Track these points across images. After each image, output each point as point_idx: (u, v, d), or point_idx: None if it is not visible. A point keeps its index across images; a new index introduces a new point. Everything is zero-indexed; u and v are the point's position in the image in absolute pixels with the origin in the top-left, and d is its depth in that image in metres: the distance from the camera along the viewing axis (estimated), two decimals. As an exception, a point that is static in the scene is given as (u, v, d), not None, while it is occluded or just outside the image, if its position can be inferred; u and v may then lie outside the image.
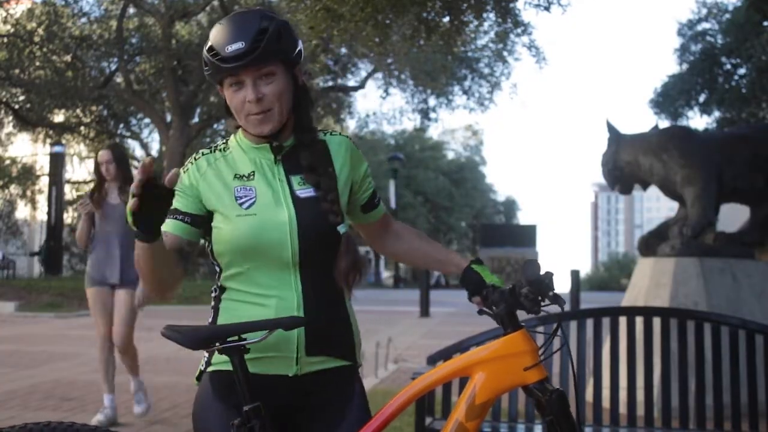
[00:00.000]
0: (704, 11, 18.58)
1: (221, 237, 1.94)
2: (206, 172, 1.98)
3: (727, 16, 17.67)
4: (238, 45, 1.88)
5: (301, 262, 1.93)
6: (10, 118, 24.71)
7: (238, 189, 1.96)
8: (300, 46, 1.98)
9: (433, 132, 55.20)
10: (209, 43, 1.93)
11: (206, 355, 1.98)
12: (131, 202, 1.73)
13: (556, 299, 1.90)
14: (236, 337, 1.87)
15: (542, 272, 1.89)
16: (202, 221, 1.96)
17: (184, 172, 1.98)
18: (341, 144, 2.07)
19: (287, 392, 1.95)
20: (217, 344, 1.87)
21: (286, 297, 1.93)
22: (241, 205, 1.93)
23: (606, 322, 4.29)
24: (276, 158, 2.00)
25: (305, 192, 1.97)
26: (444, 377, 1.98)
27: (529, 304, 1.89)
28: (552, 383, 1.91)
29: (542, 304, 1.91)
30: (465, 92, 24.46)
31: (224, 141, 2.08)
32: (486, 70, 23.75)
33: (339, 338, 2.01)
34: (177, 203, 1.93)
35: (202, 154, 2.02)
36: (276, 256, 1.92)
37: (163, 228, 1.91)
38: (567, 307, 1.94)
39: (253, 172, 1.99)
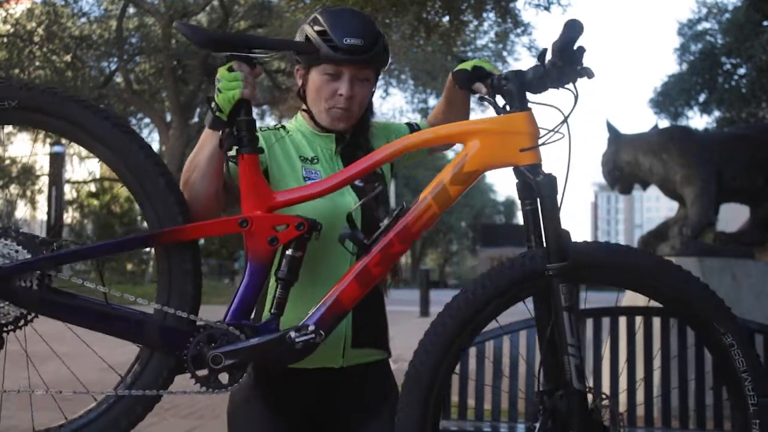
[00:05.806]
0: (704, 11, 18.56)
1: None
2: (274, 145, 1.96)
3: (727, 16, 17.65)
4: (357, 40, 1.88)
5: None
6: (10, 117, 24.70)
7: (305, 170, 1.95)
8: None
9: (433, 132, 55.15)
10: (322, 27, 1.89)
11: None
12: (247, 90, 1.70)
13: (585, 71, 1.74)
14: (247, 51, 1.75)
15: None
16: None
17: None
18: (380, 136, 2.08)
19: (333, 384, 1.96)
20: (228, 53, 1.74)
21: None
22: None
23: (606, 322, 4.29)
24: (336, 149, 2.00)
25: (360, 183, 1.98)
26: (438, 138, 1.86)
27: (557, 73, 1.72)
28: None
29: (570, 77, 1.74)
30: (465, 92, 24.42)
31: (281, 124, 2.07)
32: (486, 70, 23.72)
33: (379, 331, 2.04)
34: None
35: (264, 129, 1.99)
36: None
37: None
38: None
39: (317, 156, 1.98)
